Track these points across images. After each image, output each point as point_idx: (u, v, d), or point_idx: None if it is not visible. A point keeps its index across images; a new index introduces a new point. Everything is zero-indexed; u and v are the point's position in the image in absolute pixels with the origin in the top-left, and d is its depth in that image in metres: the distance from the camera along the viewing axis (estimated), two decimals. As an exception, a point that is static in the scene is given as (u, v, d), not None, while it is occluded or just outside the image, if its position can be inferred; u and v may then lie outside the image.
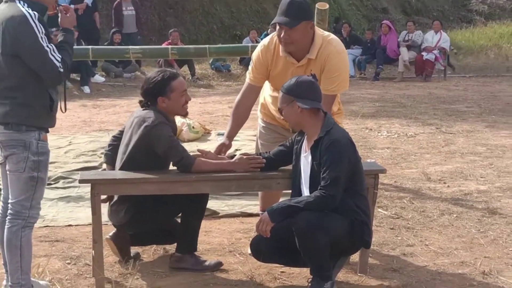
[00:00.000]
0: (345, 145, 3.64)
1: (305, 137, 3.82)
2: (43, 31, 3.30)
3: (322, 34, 4.14)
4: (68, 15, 3.50)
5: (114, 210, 4.07)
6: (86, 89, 13.24)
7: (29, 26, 3.27)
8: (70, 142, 8.10)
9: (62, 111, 3.62)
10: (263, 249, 3.82)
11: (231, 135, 4.26)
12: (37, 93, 3.35)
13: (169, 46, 8.43)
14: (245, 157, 3.97)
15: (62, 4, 3.63)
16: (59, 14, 3.51)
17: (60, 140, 8.14)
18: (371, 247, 3.99)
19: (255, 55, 4.25)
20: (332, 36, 4.19)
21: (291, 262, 3.93)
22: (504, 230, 4.85)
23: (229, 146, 4.22)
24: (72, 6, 8.87)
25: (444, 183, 6.27)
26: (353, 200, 3.66)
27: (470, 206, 5.49)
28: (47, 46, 3.29)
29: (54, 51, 3.31)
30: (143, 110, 4.06)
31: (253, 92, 4.31)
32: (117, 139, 4.21)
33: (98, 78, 14.12)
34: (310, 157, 3.72)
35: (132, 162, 3.97)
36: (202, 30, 19.09)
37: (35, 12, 3.30)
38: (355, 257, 4.09)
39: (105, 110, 11.12)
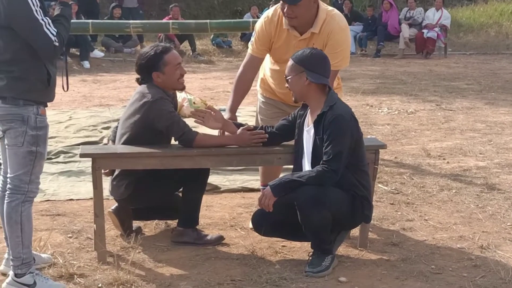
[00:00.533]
0: (348, 121, 3.64)
1: (308, 111, 3.82)
2: (38, 4, 3.24)
3: (326, 8, 4.11)
4: None
5: (115, 184, 4.07)
6: (86, 64, 13.21)
7: None
8: (71, 117, 8.12)
9: (64, 89, 3.60)
10: (264, 223, 3.84)
11: (234, 109, 4.22)
12: (33, 67, 3.30)
13: (170, 21, 8.37)
14: (248, 131, 3.96)
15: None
16: None
17: (60, 115, 8.16)
18: (371, 221, 4.02)
19: (258, 26, 4.22)
20: (336, 11, 4.17)
21: (292, 236, 3.96)
22: (502, 206, 4.88)
23: (235, 120, 4.20)
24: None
25: (444, 159, 6.29)
26: (354, 175, 3.68)
27: (469, 182, 5.52)
28: (42, 19, 3.24)
29: (49, 24, 3.25)
30: (142, 85, 4.05)
31: (255, 64, 4.27)
32: None
33: (97, 53, 14.06)
34: (312, 131, 3.72)
35: (133, 137, 3.95)
36: (203, 5, 18.99)
37: None
38: (355, 232, 4.13)
39: (106, 85, 11.11)
